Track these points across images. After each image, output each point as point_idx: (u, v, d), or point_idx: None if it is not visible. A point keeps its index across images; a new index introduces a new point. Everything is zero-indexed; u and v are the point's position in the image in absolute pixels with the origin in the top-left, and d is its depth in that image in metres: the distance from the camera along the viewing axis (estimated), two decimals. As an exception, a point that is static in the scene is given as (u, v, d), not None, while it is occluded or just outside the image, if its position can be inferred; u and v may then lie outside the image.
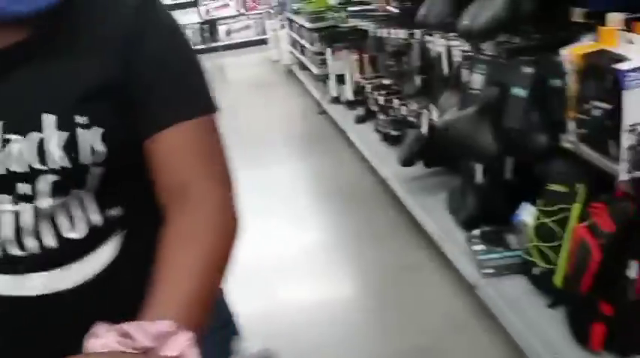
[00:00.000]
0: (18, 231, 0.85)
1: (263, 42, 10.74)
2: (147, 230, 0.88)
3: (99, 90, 0.84)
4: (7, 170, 0.82)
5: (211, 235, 0.84)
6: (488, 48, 2.51)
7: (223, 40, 11.74)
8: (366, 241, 3.53)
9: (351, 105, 5.55)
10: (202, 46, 11.21)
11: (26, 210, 0.84)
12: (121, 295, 0.91)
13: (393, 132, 4.28)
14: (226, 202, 0.89)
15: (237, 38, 11.72)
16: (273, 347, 1.64)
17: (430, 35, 3.24)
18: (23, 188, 0.83)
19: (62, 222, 0.86)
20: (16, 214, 0.84)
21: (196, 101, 0.90)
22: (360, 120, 5.09)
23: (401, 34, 3.76)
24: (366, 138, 4.70)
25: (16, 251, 0.86)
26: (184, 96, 0.88)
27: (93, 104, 0.83)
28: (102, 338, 0.66)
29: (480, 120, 2.32)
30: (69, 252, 0.88)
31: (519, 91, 2.19)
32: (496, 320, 2.38)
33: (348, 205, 4.07)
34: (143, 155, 0.88)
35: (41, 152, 0.81)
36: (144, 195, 0.90)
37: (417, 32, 3.41)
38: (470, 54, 2.66)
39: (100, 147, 0.84)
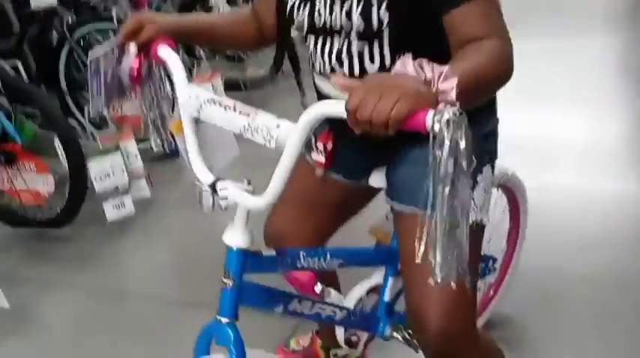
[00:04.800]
0: (340, 53, 1.33)
1: None
2: None
3: None
4: (330, 25, 1.31)
5: (486, 55, 1.13)
6: None
7: None
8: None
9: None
10: None
11: (342, 42, 1.31)
12: None
13: None
14: (504, 49, 1.16)
15: None
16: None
17: None
18: (341, 34, 1.31)
19: (365, 56, 1.30)
20: (340, 44, 1.32)
21: None
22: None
23: None
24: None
25: (338, 66, 1.34)
26: None
27: None
28: (404, 64, 1.01)
29: None
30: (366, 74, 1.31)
31: None
32: None
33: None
34: (427, 23, 1.23)
35: (349, 17, 1.27)
36: (428, 48, 1.19)
37: None
38: None
39: (385, 14, 1.23)
